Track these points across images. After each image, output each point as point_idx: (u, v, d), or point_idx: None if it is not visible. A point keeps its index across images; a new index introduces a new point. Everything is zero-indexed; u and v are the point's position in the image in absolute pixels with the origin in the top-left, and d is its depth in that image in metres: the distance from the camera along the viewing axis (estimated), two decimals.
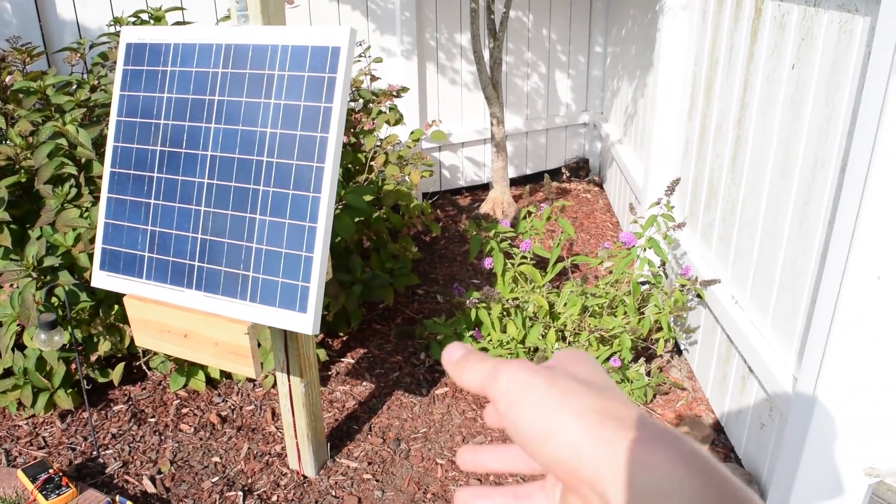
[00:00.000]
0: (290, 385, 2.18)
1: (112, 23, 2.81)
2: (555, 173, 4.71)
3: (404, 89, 3.15)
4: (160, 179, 1.84)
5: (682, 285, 2.47)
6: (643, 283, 2.54)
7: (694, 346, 2.67)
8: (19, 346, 2.55)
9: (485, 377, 0.39)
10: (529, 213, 2.80)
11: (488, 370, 0.39)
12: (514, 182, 4.57)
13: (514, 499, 0.42)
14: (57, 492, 2.15)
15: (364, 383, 2.76)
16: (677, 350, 2.80)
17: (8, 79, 2.59)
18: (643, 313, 2.47)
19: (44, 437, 2.50)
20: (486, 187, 4.44)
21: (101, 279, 1.92)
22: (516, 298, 2.48)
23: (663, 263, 2.74)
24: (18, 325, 2.42)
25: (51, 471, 2.22)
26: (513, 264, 2.60)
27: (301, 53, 1.69)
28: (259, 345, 2.69)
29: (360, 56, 3.25)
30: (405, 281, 2.96)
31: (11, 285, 2.43)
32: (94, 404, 2.64)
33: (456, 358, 0.41)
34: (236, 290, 1.75)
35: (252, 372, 1.78)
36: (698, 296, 2.50)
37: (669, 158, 3.00)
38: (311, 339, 2.15)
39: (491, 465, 0.45)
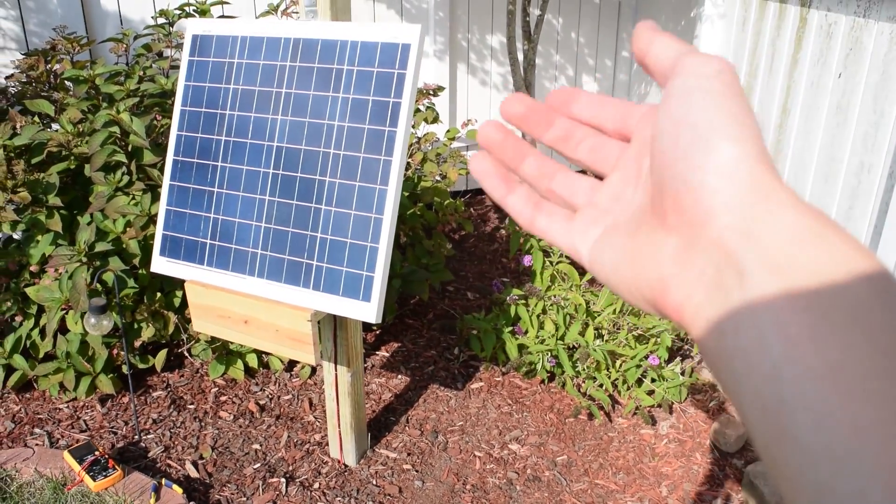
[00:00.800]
0: (336, 374, 2.22)
1: (157, 15, 2.85)
2: (581, 174, 4.75)
3: (440, 88, 3.19)
4: (224, 168, 1.88)
5: None
6: None
7: None
8: (62, 329, 2.58)
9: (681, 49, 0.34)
10: None
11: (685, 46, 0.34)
12: None
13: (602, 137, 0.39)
14: (104, 473, 2.18)
15: (399, 376, 2.80)
16: None
17: (57, 67, 2.63)
18: None
19: (84, 421, 2.54)
20: None
21: (162, 265, 1.96)
22: (555, 296, 2.52)
23: None
24: (62, 309, 2.45)
25: (97, 453, 2.25)
26: (551, 262, 2.64)
27: (371, 49, 1.73)
28: None
29: None
30: (440, 276, 3.00)
31: (56, 270, 2.46)
32: (133, 390, 2.67)
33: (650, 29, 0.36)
34: (299, 278, 1.78)
35: (312, 359, 1.82)
36: None
37: None
38: (357, 330, 2.19)
39: (581, 111, 0.40)
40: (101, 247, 2.31)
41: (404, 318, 3.16)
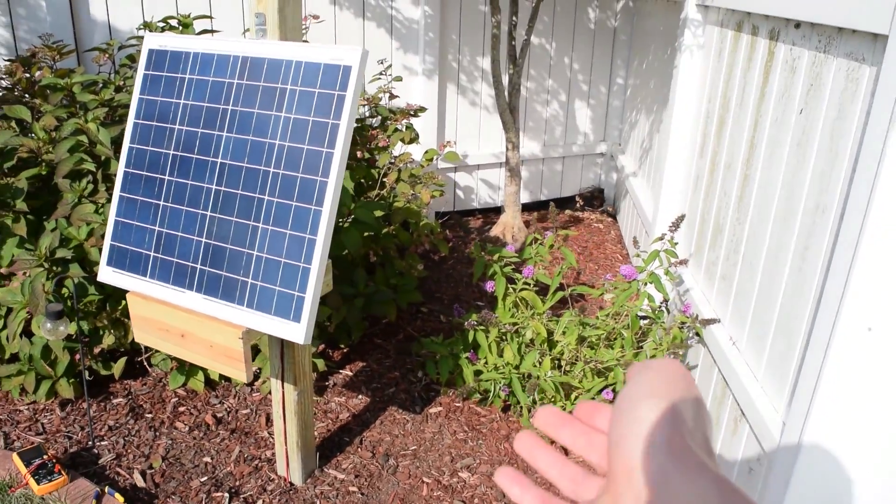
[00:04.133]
0: (283, 392, 2.22)
1: (142, 26, 2.89)
2: (569, 201, 4.74)
3: (421, 109, 3.20)
4: (171, 182, 1.89)
5: (682, 323, 2.48)
6: (643, 318, 2.55)
7: None
8: (27, 333, 2.61)
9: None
10: (536, 239, 2.83)
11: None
12: (528, 207, 4.60)
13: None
14: (49, 478, 2.19)
15: (360, 396, 2.79)
16: None
17: (37, 74, 2.67)
18: (641, 348, 2.48)
19: (42, 424, 2.55)
20: (499, 210, 4.48)
21: (108, 274, 1.97)
22: (515, 323, 2.50)
23: (665, 300, 2.75)
24: (28, 312, 2.48)
25: (45, 457, 2.26)
26: (514, 289, 2.63)
27: (314, 70, 1.74)
28: (259, 350, 2.74)
29: (380, 74, 3.30)
30: (408, 298, 2.99)
31: (24, 273, 2.49)
32: (94, 396, 2.69)
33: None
34: (234, 295, 1.79)
35: (244, 376, 1.82)
36: (697, 334, 2.51)
37: (679, 194, 3.02)
38: (306, 349, 2.18)
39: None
40: (61, 253, 2.34)
41: (374, 338, 3.16)
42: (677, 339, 2.42)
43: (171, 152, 1.90)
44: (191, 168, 1.87)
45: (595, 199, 4.72)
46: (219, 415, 2.66)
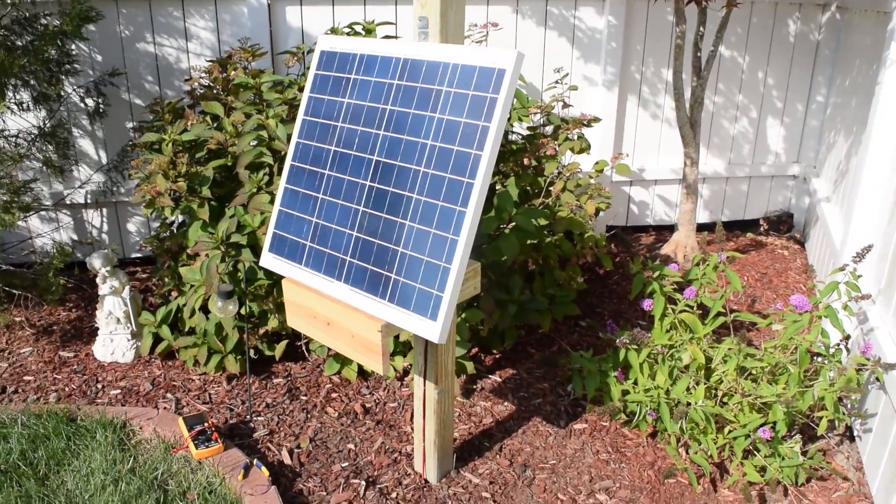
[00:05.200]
0: (424, 389, 2.24)
1: (329, 32, 3.06)
2: (752, 224, 4.42)
3: (595, 119, 3.13)
4: (330, 177, 1.98)
5: (861, 365, 2.22)
6: (815, 355, 2.32)
7: (868, 435, 2.39)
8: (205, 309, 2.84)
9: None
10: (703, 259, 2.66)
11: None
12: (706, 228, 4.35)
13: None
14: (206, 444, 2.37)
15: (505, 403, 2.77)
16: (850, 435, 2.52)
17: (232, 74, 2.91)
18: (809, 387, 2.25)
19: (210, 394, 2.77)
20: (674, 228, 4.27)
21: (269, 260, 2.10)
22: (671, 346, 2.37)
23: (846, 337, 2.48)
24: (205, 290, 2.70)
25: (205, 424, 2.45)
26: (674, 310, 2.49)
27: (469, 72, 1.74)
28: (410, 346, 2.79)
29: (556, 83, 3.27)
30: (564, 310, 2.92)
31: (205, 255, 2.72)
32: (257, 374, 2.88)
33: None
34: (378, 288, 1.83)
35: (380, 368, 1.86)
36: (878, 379, 2.24)
37: (872, 222, 2.71)
38: (450, 349, 2.20)
39: None
40: (236, 238, 2.52)
41: (527, 347, 3.12)
42: (852, 382, 2.17)
43: (333, 148, 1.99)
44: (349, 164, 1.95)
45: (782, 223, 4.37)
46: (367, 405, 2.74)
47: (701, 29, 3.35)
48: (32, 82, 2.94)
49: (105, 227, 3.64)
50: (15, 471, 2.32)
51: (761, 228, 4.38)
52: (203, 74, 2.90)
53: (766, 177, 4.28)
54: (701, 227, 4.31)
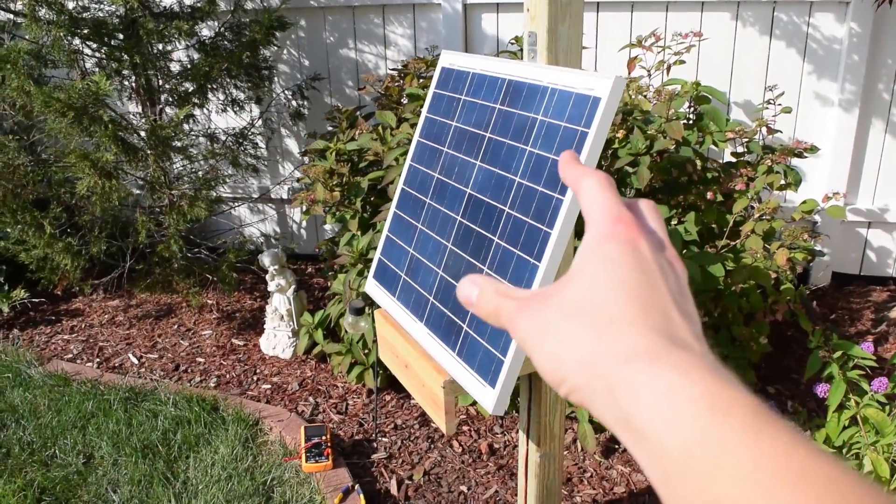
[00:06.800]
0: (527, 449, 2.00)
1: (513, 41, 2.88)
2: None
3: (813, 149, 2.59)
4: (430, 206, 1.82)
5: None
6: None
7: None
8: None
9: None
10: None
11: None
12: None
13: None
14: (316, 458, 2.35)
15: None
16: None
17: (406, 84, 2.85)
18: None
19: (347, 404, 2.76)
20: None
21: (371, 287, 2.00)
22: (846, 449, 1.86)
23: None
24: (344, 304, 2.69)
25: (323, 437, 2.43)
26: (858, 402, 1.95)
27: (565, 99, 1.48)
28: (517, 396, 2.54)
29: (767, 102, 2.76)
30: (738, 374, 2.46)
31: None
32: (397, 391, 2.81)
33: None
34: (451, 338, 1.64)
35: (443, 426, 1.67)
36: None
37: None
38: (558, 409, 1.93)
39: None
40: (372, 255, 2.46)
41: None
42: None
43: (436, 175, 1.83)
44: (447, 194, 1.77)
45: None
46: (495, 446, 2.55)
47: None
48: (237, 84, 3.15)
49: (303, 223, 3.83)
50: (152, 449, 2.49)
51: None
52: (376, 83, 2.88)
53: None
54: None
